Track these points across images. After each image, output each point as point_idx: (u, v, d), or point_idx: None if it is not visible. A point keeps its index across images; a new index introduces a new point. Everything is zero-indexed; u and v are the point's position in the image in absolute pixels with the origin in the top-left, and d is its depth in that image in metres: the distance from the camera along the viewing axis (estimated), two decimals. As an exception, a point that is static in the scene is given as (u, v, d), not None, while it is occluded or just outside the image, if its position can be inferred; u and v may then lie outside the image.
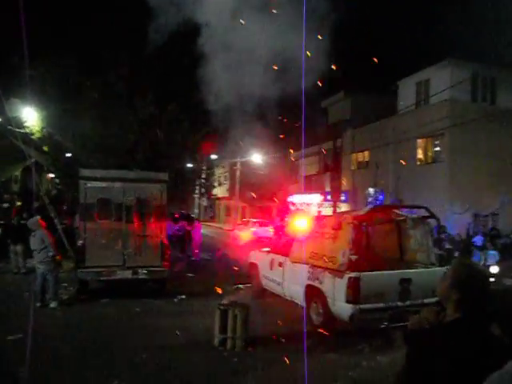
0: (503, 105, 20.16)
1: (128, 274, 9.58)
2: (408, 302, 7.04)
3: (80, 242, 9.44)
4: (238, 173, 39.31)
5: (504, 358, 1.55)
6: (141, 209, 9.70)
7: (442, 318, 2.16)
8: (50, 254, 8.87)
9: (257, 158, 36.66)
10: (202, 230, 18.22)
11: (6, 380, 5.24)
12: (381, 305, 6.97)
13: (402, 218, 8.17)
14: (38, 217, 9.65)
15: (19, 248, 12.31)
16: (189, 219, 18.98)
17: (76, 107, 17.15)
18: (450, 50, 21.69)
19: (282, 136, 31.91)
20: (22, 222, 12.42)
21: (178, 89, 19.40)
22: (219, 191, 41.56)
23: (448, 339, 1.94)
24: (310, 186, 29.28)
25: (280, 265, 9.16)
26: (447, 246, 13.31)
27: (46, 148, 19.30)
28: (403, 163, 21.05)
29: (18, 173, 28.37)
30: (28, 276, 11.93)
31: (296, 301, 8.58)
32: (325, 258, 7.54)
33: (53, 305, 8.88)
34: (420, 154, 21.63)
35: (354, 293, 6.84)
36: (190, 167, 21.50)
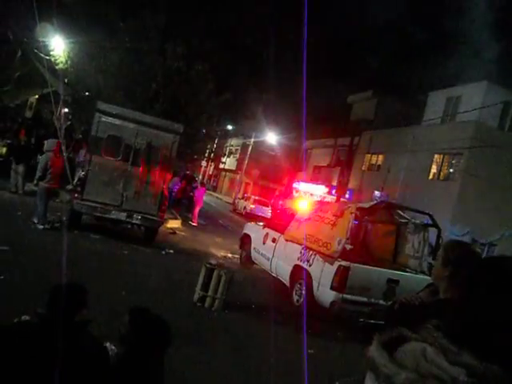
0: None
1: (122, 216, 9.53)
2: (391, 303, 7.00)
3: (82, 174, 9.39)
4: (249, 148, 39.13)
5: None
6: (149, 155, 9.59)
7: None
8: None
9: (271, 138, 36.41)
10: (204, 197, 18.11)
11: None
12: (364, 299, 6.94)
13: (403, 221, 8.08)
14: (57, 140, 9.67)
15: (20, 168, 12.30)
16: (193, 181, 18.89)
17: (105, 45, 16.94)
18: (487, 73, 21.20)
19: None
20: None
21: (210, 48, 19.03)
22: (227, 162, 41.41)
23: (426, 315, 1.95)
24: (318, 176, 29.13)
25: (273, 240, 9.11)
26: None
27: (67, 80, 19.13)
28: (414, 175, 20.85)
29: (33, 100, 28.19)
30: (24, 197, 11.97)
31: (281, 278, 8.57)
32: (320, 242, 7.48)
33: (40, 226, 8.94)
34: (434, 169, 21.39)
35: (341, 281, 6.80)
36: (204, 131, 21.34)
